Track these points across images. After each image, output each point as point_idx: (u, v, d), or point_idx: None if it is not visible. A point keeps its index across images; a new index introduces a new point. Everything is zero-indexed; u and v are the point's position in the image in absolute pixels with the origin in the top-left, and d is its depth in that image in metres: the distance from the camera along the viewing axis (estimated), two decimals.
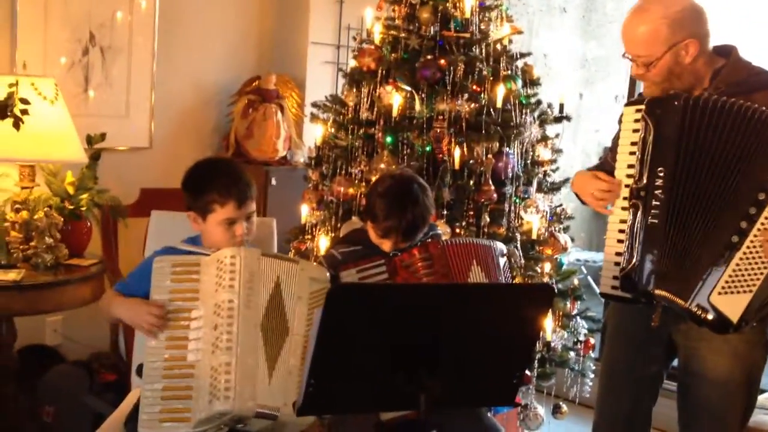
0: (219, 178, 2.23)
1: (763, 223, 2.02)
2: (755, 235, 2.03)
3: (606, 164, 2.40)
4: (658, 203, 2.12)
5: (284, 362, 2.07)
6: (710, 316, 2.07)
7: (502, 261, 2.46)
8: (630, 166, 2.19)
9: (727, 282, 2.05)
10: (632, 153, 2.18)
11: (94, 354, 3.63)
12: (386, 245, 2.42)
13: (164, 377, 2.03)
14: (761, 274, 2.04)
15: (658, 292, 2.14)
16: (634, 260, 2.15)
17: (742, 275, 2.05)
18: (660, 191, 2.12)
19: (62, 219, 3.15)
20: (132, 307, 2.13)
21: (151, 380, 2.03)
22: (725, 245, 2.05)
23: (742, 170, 2.06)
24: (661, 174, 2.12)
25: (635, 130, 2.18)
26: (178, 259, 2.13)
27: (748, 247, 2.03)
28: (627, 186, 2.20)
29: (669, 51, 2.15)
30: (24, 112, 2.98)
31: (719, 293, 2.06)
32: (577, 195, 2.43)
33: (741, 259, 2.04)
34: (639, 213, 2.15)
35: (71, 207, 3.23)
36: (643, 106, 2.17)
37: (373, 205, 2.42)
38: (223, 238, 2.21)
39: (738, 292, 2.05)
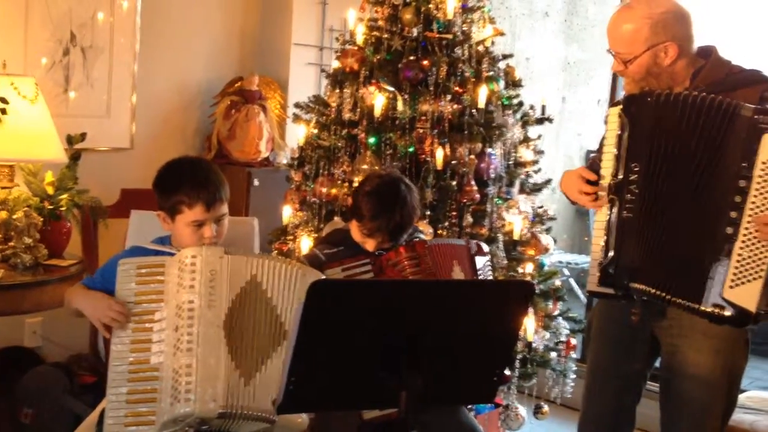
0: (188, 179, 2.18)
1: (751, 208, 2.01)
2: (748, 222, 2.02)
3: (595, 164, 2.40)
4: (632, 197, 2.15)
5: (278, 365, 2.02)
6: (728, 313, 2.06)
7: (481, 260, 2.45)
8: None
9: (735, 274, 2.04)
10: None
11: (73, 356, 3.60)
12: (370, 245, 2.41)
13: (129, 381, 2.00)
14: (766, 258, 2.02)
15: (633, 285, 2.15)
16: (610, 254, 2.17)
17: (747, 263, 2.03)
18: (634, 186, 2.15)
19: (41, 219, 3.12)
20: (93, 301, 2.09)
21: (116, 384, 2.00)
22: (722, 238, 2.04)
23: (715, 161, 2.06)
24: (636, 169, 2.15)
25: None
26: (143, 261, 2.09)
27: (744, 235, 2.02)
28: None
29: (648, 51, 2.19)
30: (3, 111, 2.96)
31: (730, 287, 2.04)
32: (566, 194, 2.43)
33: (741, 248, 2.03)
34: (615, 208, 2.18)
35: (51, 207, 3.20)
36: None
37: (359, 204, 2.41)
38: (190, 240, 2.17)
39: (748, 281, 2.03)
